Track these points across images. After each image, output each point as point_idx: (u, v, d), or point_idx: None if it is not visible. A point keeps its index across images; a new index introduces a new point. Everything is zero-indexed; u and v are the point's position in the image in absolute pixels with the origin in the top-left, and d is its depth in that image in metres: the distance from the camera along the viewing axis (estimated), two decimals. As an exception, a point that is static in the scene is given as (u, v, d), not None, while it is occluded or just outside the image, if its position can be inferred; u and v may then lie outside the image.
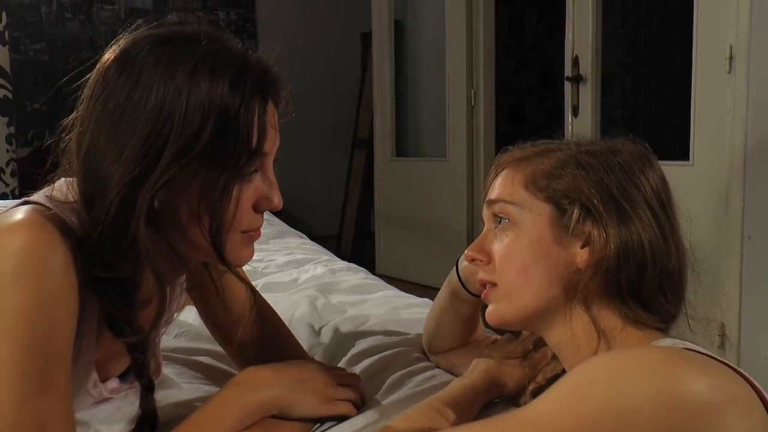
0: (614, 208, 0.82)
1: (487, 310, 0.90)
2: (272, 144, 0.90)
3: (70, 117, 0.90)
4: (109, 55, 0.88)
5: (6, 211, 0.86)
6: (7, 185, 3.75)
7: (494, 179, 0.90)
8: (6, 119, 3.75)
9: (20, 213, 0.83)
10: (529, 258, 0.85)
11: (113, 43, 0.89)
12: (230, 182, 0.86)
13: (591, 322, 0.83)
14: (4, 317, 0.78)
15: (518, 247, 0.85)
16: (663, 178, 0.87)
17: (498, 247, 0.87)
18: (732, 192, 2.45)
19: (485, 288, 0.90)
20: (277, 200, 0.92)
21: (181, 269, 1.01)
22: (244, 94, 0.85)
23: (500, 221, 0.88)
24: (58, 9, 5.01)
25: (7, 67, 3.72)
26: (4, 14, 3.71)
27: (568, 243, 0.84)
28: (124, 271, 0.85)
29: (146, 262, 0.86)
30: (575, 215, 0.83)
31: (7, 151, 3.76)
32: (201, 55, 0.85)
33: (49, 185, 0.92)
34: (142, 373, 0.92)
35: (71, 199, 0.88)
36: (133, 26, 0.91)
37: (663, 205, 0.85)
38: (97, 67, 0.88)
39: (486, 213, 0.90)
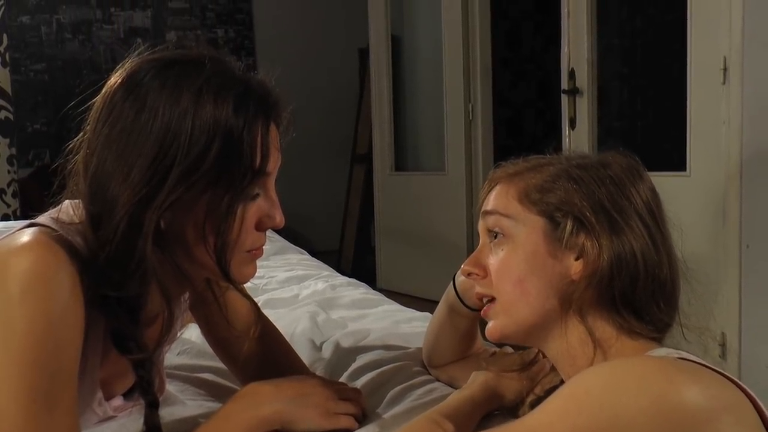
0: (606, 220, 0.84)
1: (487, 327, 0.91)
2: (274, 164, 0.92)
3: (77, 139, 0.92)
4: (115, 79, 0.90)
5: (13, 233, 0.88)
6: (8, 206, 3.77)
7: (488, 194, 0.92)
8: (7, 140, 3.77)
9: (27, 235, 0.85)
10: (525, 271, 0.86)
11: (119, 67, 0.91)
12: (234, 202, 0.88)
13: (586, 333, 0.85)
14: (12, 336, 0.80)
15: (513, 261, 0.87)
16: (653, 190, 0.88)
17: (494, 261, 0.89)
18: (729, 202, 2.46)
19: (483, 302, 0.91)
20: (279, 219, 0.93)
21: (186, 287, 1.03)
22: (247, 116, 0.87)
23: (495, 236, 0.89)
24: (57, 29, 5.05)
25: (8, 89, 3.75)
26: (5, 36, 3.74)
27: (562, 255, 0.85)
28: (131, 289, 0.87)
29: (153, 281, 0.88)
30: (568, 228, 0.84)
31: (8, 172, 3.78)
32: (205, 78, 0.87)
33: (55, 207, 0.93)
34: (147, 390, 0.93)
35: (76, 220, 0.90)
36: (138, 50, 0.93)
37: (654, 216, 0.86)
38: (104, 90, 0.90)
39: (481, 225, 0.92)
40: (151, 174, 0.84)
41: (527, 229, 0.86)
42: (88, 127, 0.91)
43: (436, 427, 0.88)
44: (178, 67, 0.89)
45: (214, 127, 0.85)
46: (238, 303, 1.14)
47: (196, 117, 0.85)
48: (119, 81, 0.89)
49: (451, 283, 1.11)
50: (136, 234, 0.85)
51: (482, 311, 0.92)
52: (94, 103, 0.91)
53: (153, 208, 0.84)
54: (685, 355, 0.81)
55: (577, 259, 0.85)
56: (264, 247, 0.97)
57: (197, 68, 0.89)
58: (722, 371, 0.77)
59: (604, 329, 0.85)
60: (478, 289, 0.91)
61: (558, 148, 0.96)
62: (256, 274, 0.99)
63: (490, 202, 0.90)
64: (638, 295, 0.84)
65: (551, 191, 0.86)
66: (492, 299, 0.89)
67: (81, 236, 0.88)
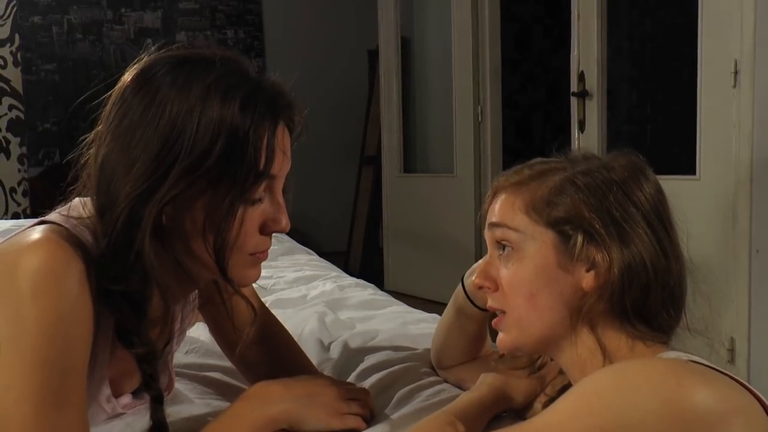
0: (615, 230, 0.83)
1: (499, 338, 0.90)
2: (280, 167, 0.91)
3: (93, 132, 0.93)
4: (128, 75, 0.91)
5: (23, 230, 0.89)
6: (18, 204, 3.79)
7: (492, 203, 0.91)
8: (18, 139, 3.79)
9: (37, 232, 0.86)
10: (536, 285, 0.85)
11: (134, 63, 0.92)
12: (236, 202, 0.87)
13: (596, 343, 0.84)
14: (23, 334, 0.80)
15: (524, 275, 0.86)
16: (659, 189, 0.87)
17: (504, 275, 0.88)
18: (739, 206, 2.45)
19: (494, 313, 0.91)
20: (285, 223, 0.93)
21: (190, 286, 1.03)
22: (254, 117, 0.87)
23: (504, 248, 0.88)
24: (68, 30, 5.07)
25: (19, 88, 3.77)
26: (16, 36, 3.76)
27: (573, 268, 0.84)
28: (133, 283, 0.87)
29: (152, 276, 0.88)
30: (579, 241, 0.83)
31: (19, 170, 3.81)
32: (215, 77, 0.87)
33: (65, 203, 0.94)
34: (151, 385, 0.93)
35: (86, 215, 0.90)
36: (152, 48, 0.93)
37: (661, 218, 0.86)
38: (118, 85, 0.91)
39: (488, 236, 0.91)
40: (153, 168, 0.84)
41: (537, 243, 0.85)
42: (101, 121, 0.91)
43: (447, 427, 0.88)
44: (190, 64, 0.89)
45: (219, 126, 0.85)
46: (246, 305, 1.13)
47: (203, 114, 0.85)
48: (132, 76, 0.90)
49: (460, 284, 1.11)
50: (135, 227, 0.85)
51: (493, 322, 0.91)
52: (106, 99, 0.92)
53: (153, 203, 0.84)
54: (695, 358, 0.80)
55: (588, 271, 0.84)
56: (272, 247, 0.96)
57: (208, 66, 0.89)
58: (733, 375, 0.76)
59: (617, 339, 0.84)
60: (490, 303, 0.91)
61: (560, 149, 0.94)
62: (264, 274, 0.98)
63: (496, 213, 0.89)
64: (650, 303, 0.83)
65: (559, 204, 0.85)
66: (503, 312, 0.89)
67: (90, 231, 0.89)
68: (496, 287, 0.89)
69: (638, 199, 0.85)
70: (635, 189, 0.85)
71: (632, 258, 0.82)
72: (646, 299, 0.83)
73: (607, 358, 0.84)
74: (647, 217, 0.84)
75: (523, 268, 0.86)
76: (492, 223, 0.90)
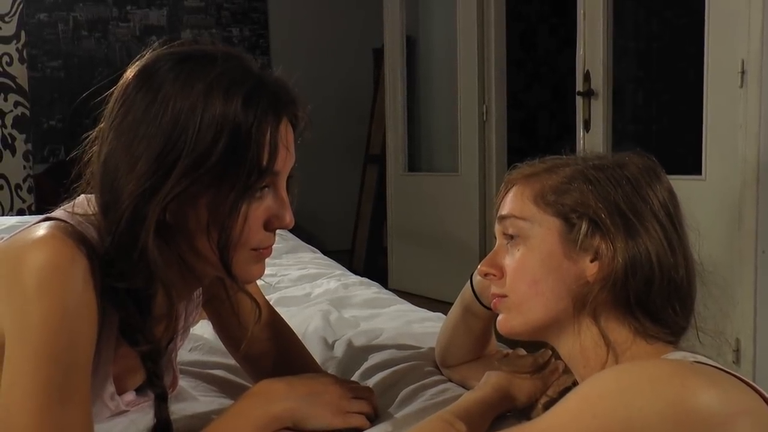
0: (621, 221, 0.83)
1: (498, 320, 0.91)
2: (283, 163, 0.91)
3: (96, 129, 0.93)
4: (131, 71, 0.91)
5: (29, 227, 0.89)
6: (23, 201, 3.80)
7: (504, 196, 0.92)
8: (24, 136, 3.80)
9: (42, 229, 0.86)
10: (540, 272, 0.86)
11: (137, 60, 0.92)
12: (239, 199, 0.87)
13: (600, 335, 0.84)
14: (28, 330, 0.80)
15: (529, 261, 0.87)
16: (670, 191, 0.88)
17: (510, 262, 0.89)
18: (745, 206, 2.45)
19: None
20: (289, 219, 0.92)
21: (194, 283, 1.03)
22: (256, 113, 0.87)
23: (512, 237, 0.89)
24: (74, 27, 5.08)
25: (25, 85, 3.78)
26: (22, 33, 3.77)
27: (578, 257, 0.85)
28: (137, 281, 0.87)
29: (156, 273, 0.87)
30: (583, 229, 0.84)
31: (24, 167, 3.82)
32: (217, 73, 0.87)
33: (70, 200, 0.94)
34: (155, 382, 0.93)
35: (91, 212, 0.90)
36: (155, 44, 0.93)
37: (671, 218, 0.86)
38: (121, 81, 0.91)
39: (497, 229, 0.92)
40: (156, 166, 0.84)
41: (543, 230, 0.86)
42: (104, 118, 0.91)
43: (449, 427, 0.88)
44: (192, 61, 0.89)
45: (221, 123, 0.85)
46: (251, 303, 1.13)
47: (205, 111, 0.85)
48: (135, 73, 0.90)
49: (468, 282, 1.11)
50: (138, 225, 0.85)
51: (493, 304, 0.91)
52: (111, 95, 0.92)
53: (156, 201, 0.84)
54: (701, 358, 0.80)
55: (592, 261, 0.84)
56: (276, 245, 0.96)
57: (211, 63, 0.88)
58: (740, 375, 0.76)
59: (619, 332, 0.84)
60: (494, 289, 0.91)
61: (572, 150, 0.96)
62: (268, 272, 0.98)
63: (506, 206, 0.90)
64: (653, 297, 0.83)
65: (567, 192, 0.86)
66: (505, 296, 0.89)
67: (95, 228, 0.89)
68: (502, 275, 0.89)
69: (648, 196, 0.85)
70: (646, 186, 0.86)
71: (637, 250, 0.82)
72: (650, 292, 0.83)
73: (611, 349, 0.84)
74: (656, 215, 0.84)
75: (528, 255, 0.87)
76: (501, 216, 0.91)
